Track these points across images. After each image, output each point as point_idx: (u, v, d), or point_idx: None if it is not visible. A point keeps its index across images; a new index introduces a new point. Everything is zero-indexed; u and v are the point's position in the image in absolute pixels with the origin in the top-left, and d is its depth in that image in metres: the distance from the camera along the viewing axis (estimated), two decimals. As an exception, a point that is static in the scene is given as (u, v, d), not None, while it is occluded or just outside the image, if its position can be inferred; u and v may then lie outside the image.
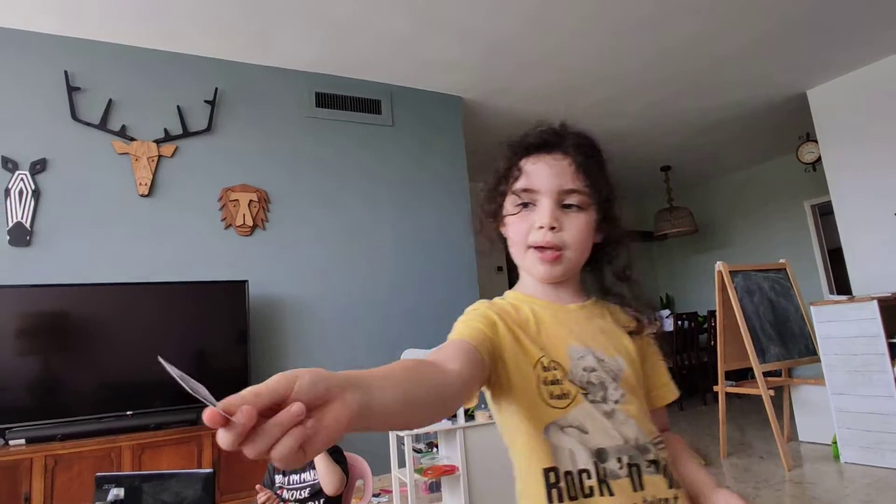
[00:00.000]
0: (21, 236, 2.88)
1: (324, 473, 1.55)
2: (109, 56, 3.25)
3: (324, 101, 3.83)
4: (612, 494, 0.65)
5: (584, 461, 0.67)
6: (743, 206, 7.04)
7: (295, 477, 1.63)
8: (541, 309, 0.77)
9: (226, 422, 0.36)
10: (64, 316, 2.76)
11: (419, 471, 2.49)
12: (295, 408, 0.37)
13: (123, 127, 3.20)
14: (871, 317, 3.04)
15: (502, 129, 4.97)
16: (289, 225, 3.56)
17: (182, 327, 3.00)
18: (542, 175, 0.76)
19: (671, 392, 0.83)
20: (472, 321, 0.72)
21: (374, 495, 3.18)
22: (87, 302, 2.81)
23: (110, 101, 3.19)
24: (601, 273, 0.84)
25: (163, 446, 2.62)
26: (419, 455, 2.82)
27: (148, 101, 3.30)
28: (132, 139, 3.21)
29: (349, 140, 3.87)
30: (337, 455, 1.64)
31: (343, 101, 3.89)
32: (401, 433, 2.47)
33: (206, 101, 3.44)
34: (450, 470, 2.51)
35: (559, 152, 0.77)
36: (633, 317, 0.81)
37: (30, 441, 2.53)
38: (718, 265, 3.50)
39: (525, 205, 0.77)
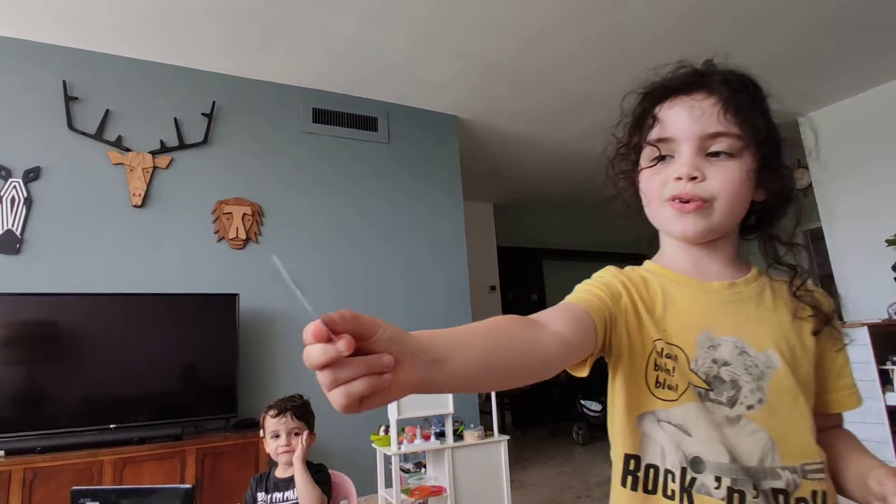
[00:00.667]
0: (10, 244, 2.86)
1: (303, 493, 1.52)
2: (109, 67, 3.26)
3: (321, 117, 3.85)
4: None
5: (673, 463, 0.58)
6: (736, 231, 7.09)
7: (278, 495, 1.60)
8: (675, 286, 0.66)
9: (328, 339, 0.36)
10: (51, 325, 2.73)
11: (406, 491, 2.45)
12: (386, 359, 0.38)
13: (119, 137, 3.21)
14: (861, 343, 3.05)
15: (497, 148, 5.03)
16: (282, 239, 3.55)
17: (171, 340, 2.97)
18: (680, 120, 0.64)
19: (853, 398, 0.68)
20: (593, 287, 0.64)
21: (360, 516, 3.12)
22: (75, 312, 2.78)
23: (107, 111, 3.20)
24: (766, 241, 0.69)
25: (145, 461, 2.56)
26: (407, 475, 2.78)
27: (145, 112, 3.32)
28: (128, 150, 3.21)
29: (345, 156, 3.89)
30: (320, 475, 1.61)
31: (340, 117, 3.91)
32: (388, 452, 2.43)
33: (203, 114, 3.45)
34: (437, 491, 2.47)
35: (701, 91, 0.64)
36: (809, 303, 0.64)
37: (9, 453, 2.47)
38: (710, 288, 3.50)
39: (662, 158, 0.65)
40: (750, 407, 0.59)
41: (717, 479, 0.56)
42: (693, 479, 0.57)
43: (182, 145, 3.37)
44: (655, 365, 0.61)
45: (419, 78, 3.80)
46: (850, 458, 0.64)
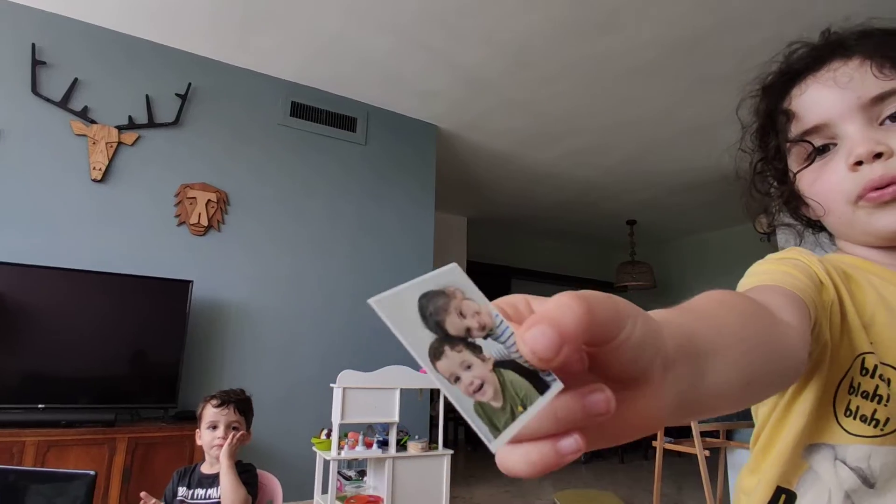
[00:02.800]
0: (-46, 206, 2.72)
1: (227, 492, 1.45)
2: (83, 34, 3.17)
3: (299, 111, 3.80)
4: None
5: None
6: (701, 268, 7.24)
7: (200, 491, 1.53)
8: (888, 286, 0.50)
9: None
10: (-13, 295, 2.59)
11: (342, 499, 2.38)
12: (604, 403, 0.21)
13: (86, 108, 3.10)
14: (806, 387, 3.10)
15: (474, 163, 5.04)
16: (245, 230, 3.47)
17: (116, 322, 2.85)
18: (826, 96, 0.50)
19: None
20: (788, 268, 0.48)
21: (295, 521, 3.02)
22: (18, 283, 2.66)
23: (76, 80, 3.09)
24: None
25: (72, 446, 2.44)
26: (347, 482, 2.71)
27: (116, 86, 3.22)
28: (93, 122, 3.10)
29: (319, 153, 3.84)
30: (247, 475, 1.54)
31: (318, 113, 3.87)
32: (327, 457, 2.37)
33: (177, 95, 3.37)
34: (374, 501, 2.41)
35: (835, 60, 0.51)
36: None
37: (-77, 425, 2.33)
38: (668, 321, 3.53)
39: (821, 151, 0.52)
40: None
41: None
42: None
43: (151, 123, 3.27)
44: (851, 387, 0.47)
45: (403, 83, 3.79)
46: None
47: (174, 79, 3.38)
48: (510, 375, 0.22)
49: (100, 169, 3.06)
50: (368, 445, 2.47)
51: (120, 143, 3.16)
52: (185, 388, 3.00)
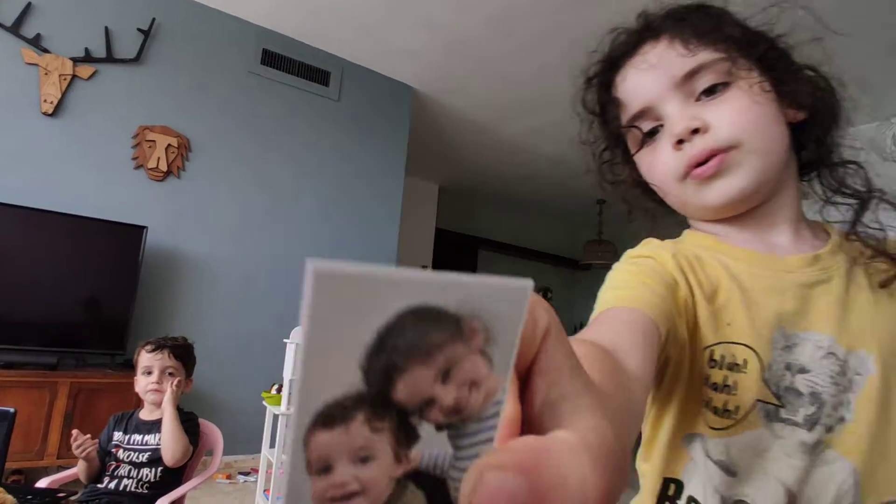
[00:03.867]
0: None
1: (168, 440, 1.43)
2: (36, -44, 2.95)
3: (270, 59, 3.65)
4: None
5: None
6: (664, 252, 7.40)
7: (137, 437, 1.50)
8: (740, 265, 0.49)
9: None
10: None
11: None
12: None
13: (38, 36, 2.91)
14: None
15: (449, 129, 4.97)
16: (206, 178, 3.35)
17: (64, 264, 2.74)
18: (641, 81, 0.51)
19: None
20: (644, 277, 0.47)
21: (243, 474, 3.03)
22: (-47, 216, 2.52)
23: (29, 4, 2.89)
24: (823, 172, 0.52)
25: (10, 387, 2.36)
26: (296, 438, 2.71)
27: (73, 14, 3.02)
28: (46, 51, 2.92)
29: (289, 105, 3.71)
30: (189, 424, 1.52)
31: (291, 64, 3.73)
32: (277, 412, 2.36)
33: (139, 30, 3.19)
34: (321, 457, 2.42)
35: (646, 43, 0.52)
36: (889, 257, 0.48)
37: None
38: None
39: (650, 134, 0.52)
40: (830, 429, 0.44)
41: None
42: None
43: (110, 58, 3.10)
44: (707, 379, 0.47)
45: (381, 40, 3.67)
46: None
47: (137, 12, 3.19)
48: (412, 501, 0.14)
49: (51, 102, 2.89)
50: (319, 403, 2.47)
51: (75, 76, 2.98)
52: (134, 336, 2.92)
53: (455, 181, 6.64)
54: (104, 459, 1.48)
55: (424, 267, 6.52)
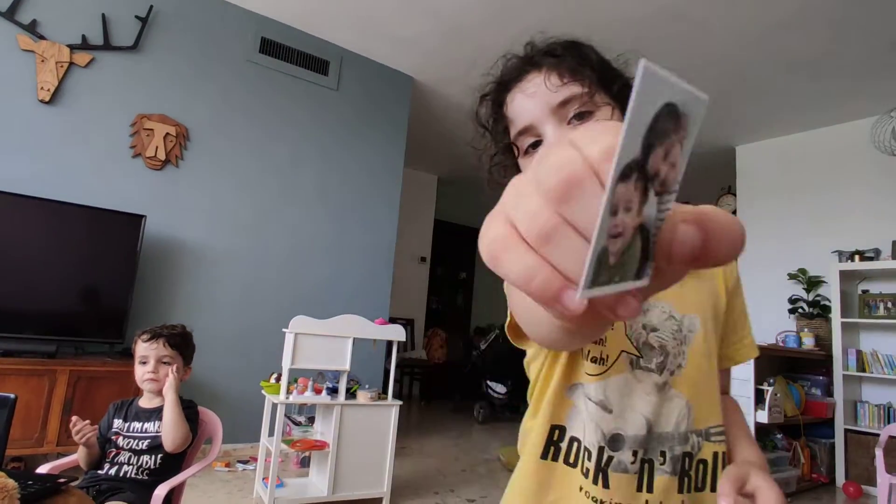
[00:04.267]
0: None
1: (169, 427, 1.43)
2: (32, -59, 2.91)
3: (269, 48, 3.63)
4: (606, 486, 0.56)
5: (591, 442, 0.58)
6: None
7: (136, 425, 1.50)
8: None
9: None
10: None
11: (288, 442, 2.40)
12: None
13: (35, 22, 2.88)
14: (745, 363, 3.25)
15: (448, 119, 4.95)
16: (204, 167, 3.34)
17: (63, 252, 2.73)
18: (525, 105, 0.61)
19: (750, 349, 0.65)
20: None
21: (242, 462, 3.05)
22: (-49, 204, 2.50)
23: (24, -10, 2.86)
24: None
25: (9, 375, 2.37)
26: (296, 427, 2.73)
27: (70, 0, 2.99)
28: (42, 38, 2.89)
29: (288, 94, 3.69)
30: (189, 411, 1.52)
31: (290, 53, 3.71)
32: (275, 400, 2.37)
33: (137, 17, 3.16)
34: (320, 445, 2.43)
35: (531, 72, 0.63)
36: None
37: None
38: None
39: (534, 146, 0.62)
40: (672, 372, 0.58)
41: (634, 454, 0.56)
42: (610, 458, 0.57)
43: (107, 46, 3.07)
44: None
45: (380, 29, 3.64)
46: (735, 445, 0.62)
47: (134, 0, 3.17)
48: (637, 244, 0.20)
49: (48, 89, 2.87)
50: (318, 392, 2.48)
51: (72, 63, 2.96)
52: (133, 325, 2.92)
53: (454, 172, 6.62)
54: (104, 446, 1.49)
55: (423, 259, 6.52)
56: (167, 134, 3.21)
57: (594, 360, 0.58)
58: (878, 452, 3.01)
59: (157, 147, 3.17)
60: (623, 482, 0.56)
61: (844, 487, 3.59)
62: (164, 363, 1.51)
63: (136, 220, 2.91)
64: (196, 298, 3.24)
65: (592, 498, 0.56)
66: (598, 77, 0.60)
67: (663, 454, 0.57)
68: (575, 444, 0.59)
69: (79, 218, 2.79)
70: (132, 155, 3.12)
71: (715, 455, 0.59)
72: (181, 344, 1.55)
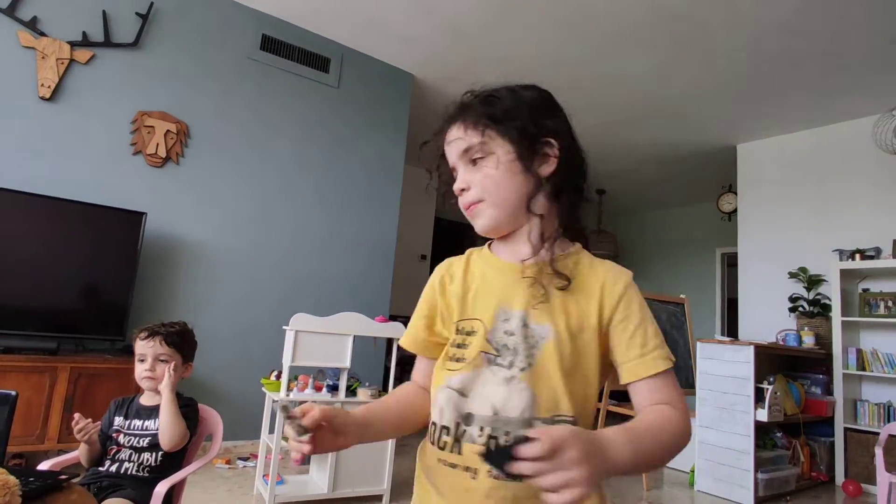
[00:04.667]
0: None
1: (164, 426, 1.43)
2: (32, -63, 2.91)
3: (270, 45, 3.62)
4: (459, 453, 0.69)
5: (450, 419, 0.71)
6: (663, 242, 7.40)
7: (137, 422, 1.51)
8: (489, 269, 0.78)
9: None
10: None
11: (287, 439, 2.40)
12: (306, 447, 0.66)
13: (35, 18, 2.88)
14: (745, 360, 3.26)
15: (451, 117, 4.94)
16: (205, 165, 3.34)
17: (63, 250, 2.73)
18: (448, 151, 0.78)
19: (641, 367, 0.69)
20: (415, 318, 0.82)
21: (243, 459, 3.06)
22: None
23: (24, -14, 2.86)
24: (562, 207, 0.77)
25: (10, 371, 2.37)
26: (295, 424, 2.73)
27: (70, -3, 2.99)
28: (42, 34, 2.89)
29: (289, 92, 3.69)
30: (188, 409, 1.53)
31: (291, 50, 3.70)
32: (275, 398, 2.37)
33: (137, 14, 3.16)
34: (320, 442, 2.43)
35: (451, 124, 0.78)
36: (595, 281, 0.73)
37: None
38: (624, 289, 3.63)
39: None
40: (522, 369, 0.70)
41: (481, 429, 0.69)
42: (464, 432, 0.70)
43: (108, 42, 3.07)
44: (452, 343, 0.75)
45: (381, 26, 3.64)
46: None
47: (134, -4, 3.16)
48: None
49: (49, 86, 2.87)
50: (318, 389, 2.49)
51: (72, 60, 2.96)
52: (134, 322, 2.93)
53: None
54: (105, 443, 1.49)
55: (423, 257, 6.52)
56: (168, 131, 3.21)
57: (457, 360, 0.73)
58: (878, 451, 3.02)
59: (157, 144, 3.17)
60: (472, 450, 0.68)
61: (844, 486, 3.60)
62: (162, 361, 1.51)
63: (136, 218, 2.91)
64: (196, 296, 3.24)
65: (450, 464, 0.70)
66: (497, 124, 0.73)
67: (507, 433, 0.67)
68: (435, 427, 0.73)
69: (79, 215, 2.79)
70: (133, 152, 3.12)
71: None
72: (179, 342, 1.55)
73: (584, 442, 0.53)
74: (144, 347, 1.50)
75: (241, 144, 3.48)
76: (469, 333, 0.73)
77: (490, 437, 0.67)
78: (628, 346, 0.70)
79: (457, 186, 0.76)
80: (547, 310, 0.71)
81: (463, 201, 0.76)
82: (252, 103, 3.54)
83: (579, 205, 0.79)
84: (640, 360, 0.69)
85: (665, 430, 0.65)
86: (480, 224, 0.76)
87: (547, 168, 0.74)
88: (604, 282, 0.72)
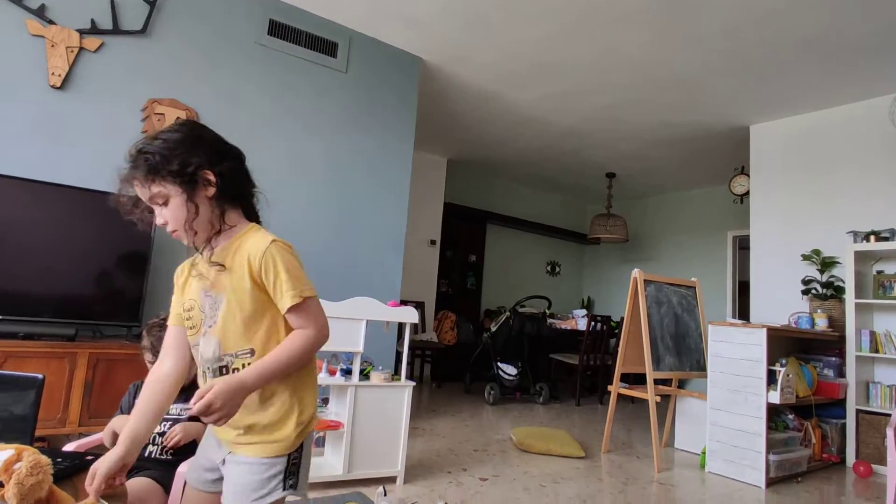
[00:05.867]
0: None
1: (191, 435, 1.49)
2: (39, -76, 2.89)
3: (278, 30, 3.60)
4: (205, 381, 1.03)
5: (199, 364, 1.06)
6: (674, 225, 7.35)
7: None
8: (201, 261, 1.05)
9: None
10: (-63, 200, 2.47)
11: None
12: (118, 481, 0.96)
13: (43, 6, 2.88)
14: (758, 343, 3.25)
15: (457, 100, 4.92)
16: (215, 152, 3.34)
17: (79, 238, 2.76)
18: (141, 193, 1.00)
19: (283, 304, 0.98)
20: (175, 301, 1.11)
21: (258, 442, 3.10)
22: (-32, 190, 2.53)
23: (32, -26, 2.85)
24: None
25: (30, 357, 2.42)
26: (309, 408, 2.77)
27: (77, -16, 2.98)
28: (51, 22, 2.89)
29: (297, 77, 3.67)
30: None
31: (298, 35, 3.68)
32: (291, 382, 2.40)
33: (145, 1, 3.15)
34: (335, 426, 2.47)
35: (131, 183, 1.01)
36: (244, 256, 1.00)
37: None
38: (635, 272, 3.62)
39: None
40: (210, 327, 1.02)
41: (209, 367, 1.03)
42: (204, 368, 1.04)
43: (116, 30, 3.07)
44: (186, 318, 1.07)
45: (390, 9, 3.61)
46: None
47: (142, -18, 3.14)
48: None
49: (59, 75, 2.88)
50: (332, 373, 2.51)
51: (82, 48, 2.96)
52: (149, 309, 2.97)
53: (463, 154, 6.59)
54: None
55: (433, 242, 6.53)
56: (178, 118, 3.22)
57: (189, 328, 1.06)
58: (889, 432, 3.01)
59: (168, 132, 3.18)
60: (206, 379, 1.03)
61: (855, 467, 3.61)
62: None
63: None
64: (210, 282, 3.26)
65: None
66: (159, 176, 0.96)
67: (208, 368, 1.02)
68: (198, 369, 1.07)
69: (93, 203, 2.81)
70: (144, 140, 3.12)
71: (243, 365, 0.99)
72: None
73: (222, 392, 0.89)
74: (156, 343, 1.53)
75: (250, 128, 3.48)
76: (191, 308, 1.05)
77: (204, 371, 1.04)
78: (274, 293, 0.99)
79: (158, 222, 1.00)
80: (220, 284, 1.01)
81: (168, 230, 0.99)
82: (260, 88, 3.53)
83: (249, 199, 1.09)
84: (281, 300, 0.98)
85: (286, 349, 0.97)
86: (187, 244, 1.01)
87: (210, 190, 0.99)
88: (248, 255, 0.99)
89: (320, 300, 2.50)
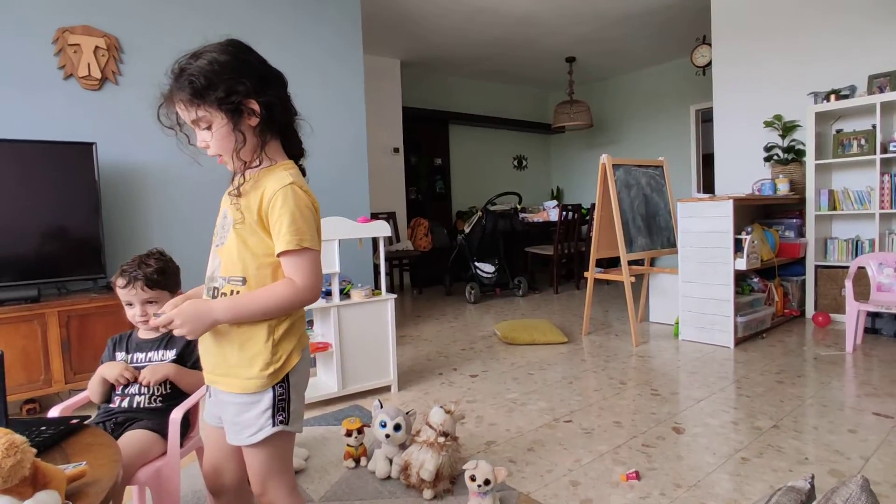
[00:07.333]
0: None
1: (192, 387, 1.47)
2: None
3: (188, -70, 3.18)
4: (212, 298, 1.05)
5: (207, 279, 1.09)
6: (637, 105, 7.25)
7: (140, 355, 1.51)
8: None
9: None
10: None
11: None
12: None
13: None
14: (724, 214, 3.33)
15: (404, -6, 4.54)
16: (146, 81, 3.07)
17: (16, 193, 2.57)
18: (183, 116, 0.99)
19: (278, 246, 0.97)
20: None
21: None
22: None
23: None
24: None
25: (-2, 323, 2.34)
26: (296, 333, 2.79)
27: None
28: (-80, -53, 2.49)
29: (221, -15, 3.31)
30: (196, 353, 1.52)
31: (213, -67, 3.26)
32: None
33: None
34: (323, 347, 2.51)
35: (172, 104, 0.98)
36: (260, 189, 1.00)
37: None
38: (603, 158, 3.59)
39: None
40: (218, 245, 1.06)
41: (209, 283, 1.07)
42: (209, 281, 1.08)
43: (0, -51, 2.66)
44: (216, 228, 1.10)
45: None
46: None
47: None
48: None
49: (-53, 10, 2.53)
50: (312, 298, 2.50)
51: (-36, -25, 2.58)
52: (112, 257, 2.86)
53: (416, 54, 6.22)
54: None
55: (396, 150, 6.34)
56: (97, 47, 2.91)
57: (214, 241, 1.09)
58: (848, 284, 3.21)
59: (88, 64, 2.89)
60: (209, 294, 1.06)
61: (814, 318, 3.88)
62: (151, 303, 1.47)
63: (86, 149, 2.72)
64: (168, 219, 3.14)
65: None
66: (204, 101, 0.94)
67: (207, 286, 1.07)
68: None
69: (26, 154, 2.60)
70: (63, 77, 2.84)
71: (231, 291, 1.01)
72: (161, 280, 1.50)
73: (186, 313, 0.94)
74: (127, 295, 1.45)
75: (183, 49, 3.17)
76: (218, 221, 1.10)
77: (207, 287, 1.08)
78: (274, 233, 0.98)
79: (199, 144, 0.99)
80: (233, 206, 1.02)
81: (209, 153, 1.00)
82: (189, 8, 3.18)
83: (288, 134, 1.07)
84: (277, 240, 0.97)
85: (266, 292, 0.96)
86: (229, 169, 1.03)
87: (254, 120, 0.97)
88: (263, 190, 0.98)
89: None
